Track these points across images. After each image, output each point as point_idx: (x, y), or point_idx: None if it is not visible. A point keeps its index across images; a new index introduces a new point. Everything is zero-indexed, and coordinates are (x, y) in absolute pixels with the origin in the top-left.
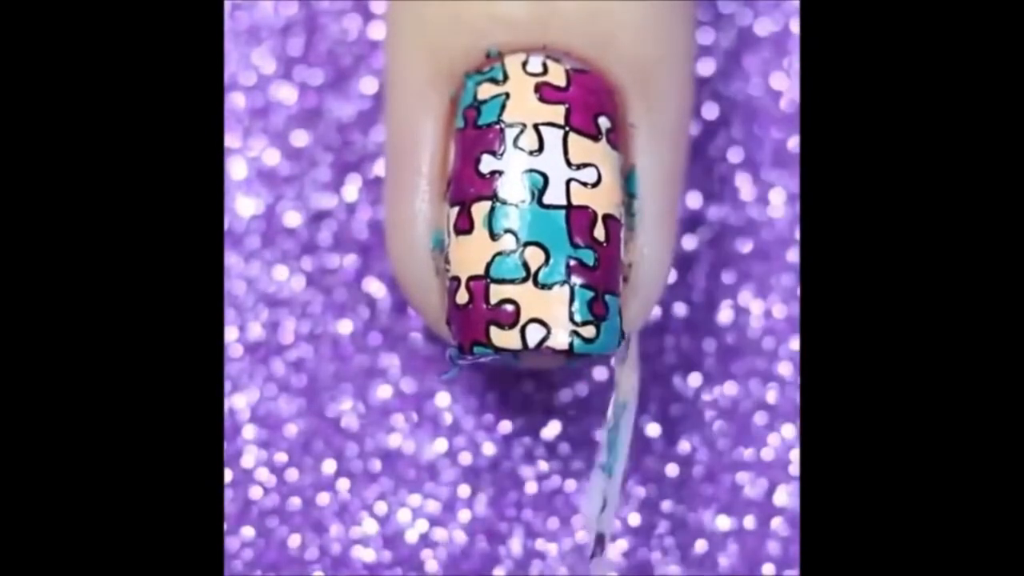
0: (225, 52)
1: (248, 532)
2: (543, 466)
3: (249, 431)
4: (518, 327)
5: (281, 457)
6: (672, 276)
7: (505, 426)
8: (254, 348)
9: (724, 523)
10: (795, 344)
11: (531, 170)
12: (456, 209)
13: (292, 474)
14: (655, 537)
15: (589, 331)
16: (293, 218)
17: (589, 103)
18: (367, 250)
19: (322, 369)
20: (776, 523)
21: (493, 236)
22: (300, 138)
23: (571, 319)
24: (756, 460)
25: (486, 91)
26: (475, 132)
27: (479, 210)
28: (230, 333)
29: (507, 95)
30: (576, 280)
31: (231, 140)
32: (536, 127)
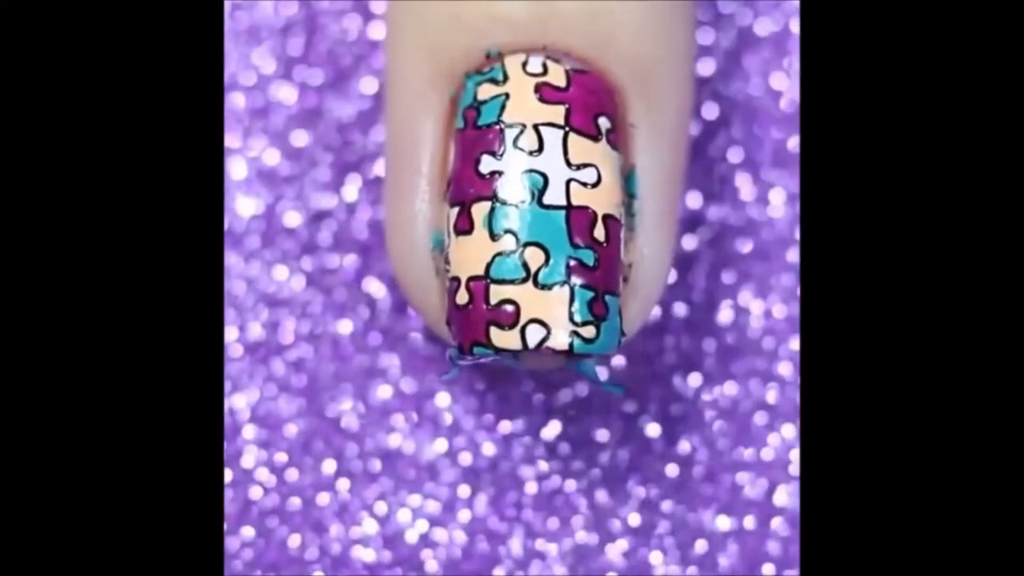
0: (225, 52)
1: (248, 532)
2: (543, 466)
3: (249, 431)
4: (518, 327)
5: (281, 457)
6: (672, 276)
7: (505, 426)
8: (254, 348)
9: (724, 523)
10: (795, 344)
11: (531, 170)
12: (456, 209)
13: (292, 474)
14: (655, 537)
15: (589, 331)
16: (293, 218)
17: (589, 103)
18: (367, 250)
19: (322, 369)
20: (776, 523)
21: (493, 236)
22: (300, 138)
23: (571, 319)
24: (756, 460)
25: (486, 91)
26: (475, 132)
27: (479, 210)
28: (230, 333)
29: (507, 95)
30: (576, 280)
31: (231, 140)
32: (536, 127)
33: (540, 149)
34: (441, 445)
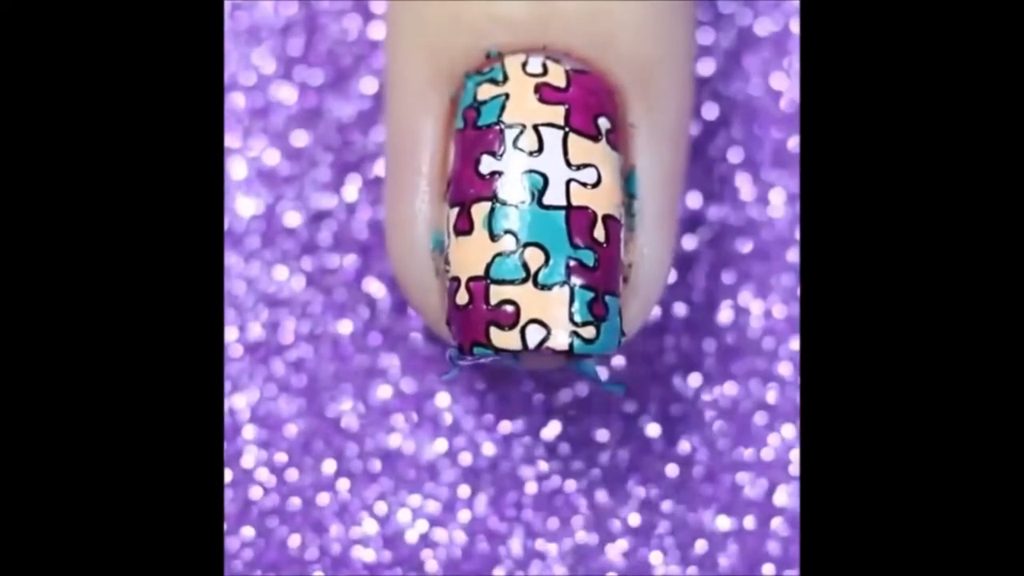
0: (225, 52)
1: (248, 532)
2: (543, 466)
3: (249, 431)
4: (518, 328)
5: (281, 457)
6: (672, 276)
7: (505, 426)
8: (254, 348)
9: (724, 523)
10: (795, 344)
11: (531, 171)
12: (456, 210)
13: (292, 474)
14: (655, 537)
15: (589, 332)
16: (293, 218)
17: (589, 104)
18: (367, 250)
19: (322, 369)
20: (776, 523)
21: (493, 237)
22: (300, 138)
23: (571, 320)
24: (756, 460)
25: (486, 92)
26: (475, 133)
27: (479, 211)
28: (230, 333)
29: (507, 96)
30: (576, 281)
31: (231, 140)
32: (536, 128)
33: (540, 149)
34: (441, 445)
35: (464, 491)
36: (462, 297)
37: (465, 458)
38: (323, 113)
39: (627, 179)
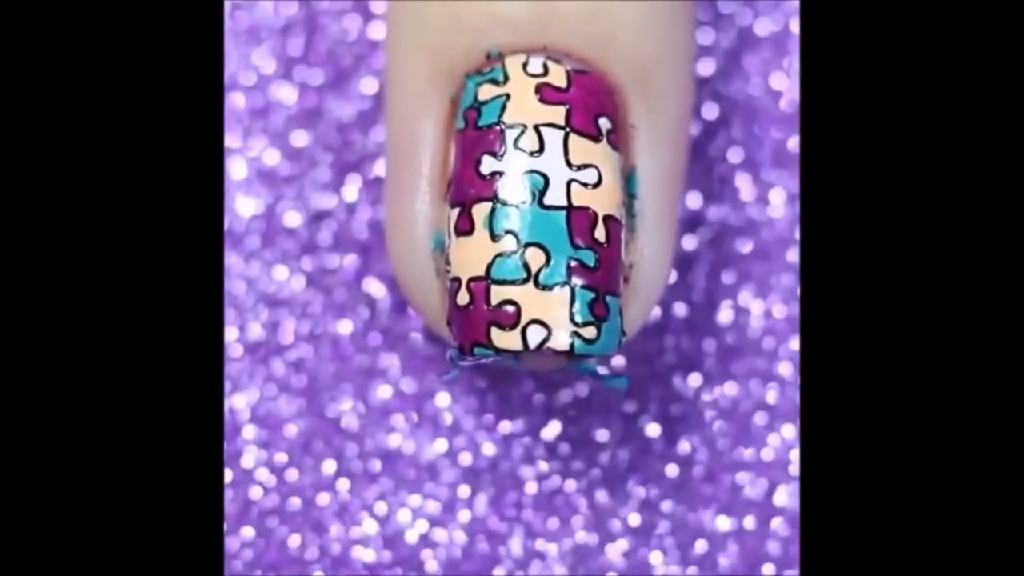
0: (225, 52)
1: (248, 532)
2: (543, 466)
3: (249, 431)
4: (519, 328)
5: (281, 457)
6: (672, 276)
7: (505, 426)
8: (254, 348)
9: (724, 523)
10: (795, 344)
11: (532, 171)
12: (457, 210)
13: (292, 474)
14: (655, 537)
15: (590, 332)
16: (293, 218)
17: (589, 104)
18: (367, 250)
19: (322, 369)
20: (776, 523)
21: (494, 237)
22: (300, 138)
23: (572, 320)
24: (756, 460)
25: (487, 92)
26: (475, 133)
27: (480, 211)
28: (230, 333)
29: (508, 96)
30: (577, 281)
31: (231, 140)
32: (537, 128)
33: (541, 150)
34: (441, 445)
35: (464, 491)
36: (463, 297)
37: (465, 458)
38: (323, 113)
39: (627, 179)
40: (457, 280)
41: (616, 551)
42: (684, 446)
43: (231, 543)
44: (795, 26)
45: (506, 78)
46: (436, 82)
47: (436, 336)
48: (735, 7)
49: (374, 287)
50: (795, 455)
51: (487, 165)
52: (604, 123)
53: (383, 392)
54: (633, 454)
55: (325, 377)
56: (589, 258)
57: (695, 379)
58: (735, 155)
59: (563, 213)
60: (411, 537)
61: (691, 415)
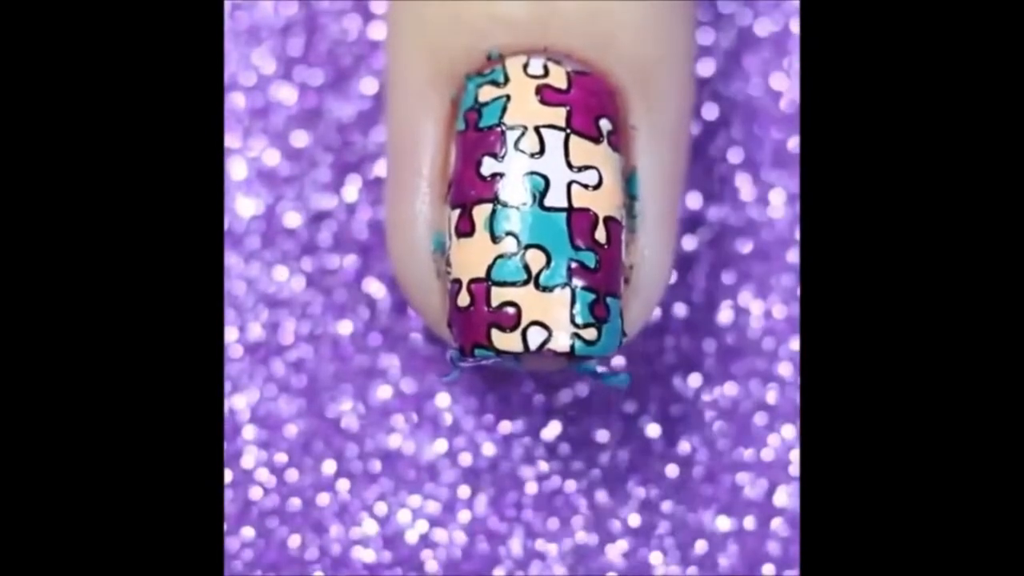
0: (225, 52)
1: (248, 532)
2: (543, 466)
3: (249, 431)
4: (519, 329)
5: (281, 457)
6: (672, 276)
7: (505, 427)
8: (254, 348)
9: (724, 523)
10: (795, 344)
11: (532, 172)
12: (457, 211)
13: (292, 474)
14: (655, 537)
15: (590, 333)
16: (293, 218)
17: (590, 105)
18: (367, 250)
19: (322, 369)
20: (776, 523)
21: (494, 239)
22: (300, 138)
23: (572, 321)
24: (756, 460)
25: (487, 93)
26: (476, 134)
27: (480, 212)
28: (230, 333)
29: (508, 97)
30: (577, 282)
31: (231, 140)
32: (537, 129)
33: (541, 151)
34: (441, 445)
35: (464, 491)
36: (463, 299)
37: (465, 458)
38: (323, 113)
39: (628, 180)
40: (458, 281)
41: (616, 551)
42: (684, 446)
43: (231, 543)
44: (795, 26)
45: (507, 79)
46: (436, 82)
47: (436, 337)
48: (735, 7)
49: (374, 287)
50: (795, 455)
51: (488, 166)
52: (605, 124)
53: (383, 392)
54: (633, 454)
55: (325, 377)
56: (590, 259)
57: (695, 379)
58: (735, 155)
59: (564, 215)
60: (411, 537)
61: (691, 415)
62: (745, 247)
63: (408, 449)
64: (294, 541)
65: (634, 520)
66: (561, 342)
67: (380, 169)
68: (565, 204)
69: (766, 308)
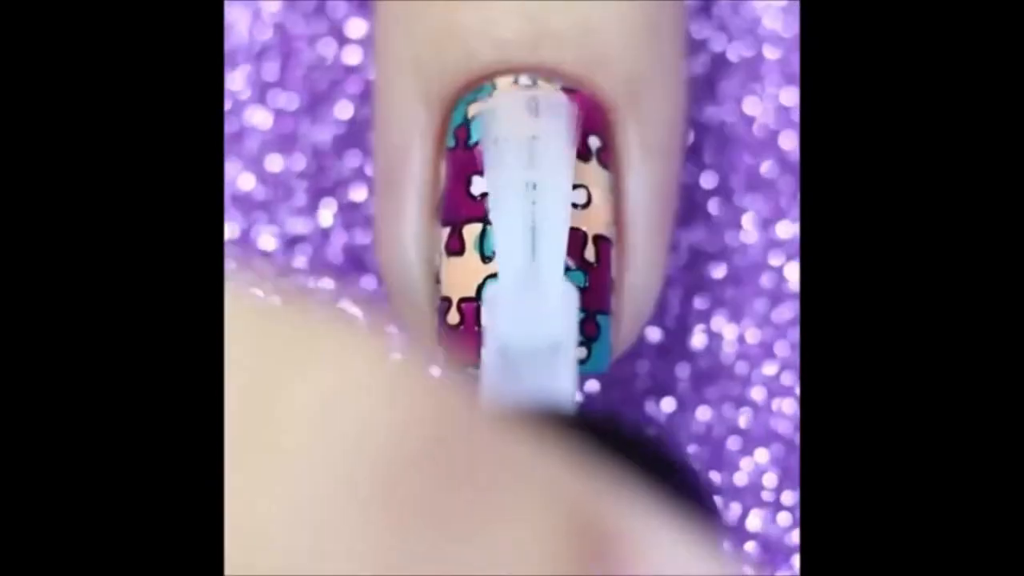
0: None
1: None
2: None
3: None
4: None
5: None
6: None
7: None
8: None
9: None
10: (768, 369)
11: None
12: (447, 230)
13: None
14: None
15: (580, 352)
16: (268, 242)
17: (579, 122)
18: (342, 274)
19: None
20: (749, 547)
21: (484, 258)
22: (275, 163)
23: None
24: (729, 485)
25: (476, 110)
26: (465, 153)
27: (470, 232)
28: None
29: None
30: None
31: None
32: None
33: None
34: None
35: None
36: (453, 317)
37: None
38: (298, 138)
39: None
40: (448, 300)
41: None
42: None
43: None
44: (768, 52)
45: None
46: (426, 101)
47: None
48: (709, 32)
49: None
50: (768, 480)
51: (477, 186)
52: (594, 142)
53: None
54: None
55: None
56: (579, 278)
57: (668, 404)
58: (708, 180)
59: None
60: None
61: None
62: (718, 272)
63: None
64: None
65: None
66: None
67: (356, 194)
68: None
69: (739, 333)
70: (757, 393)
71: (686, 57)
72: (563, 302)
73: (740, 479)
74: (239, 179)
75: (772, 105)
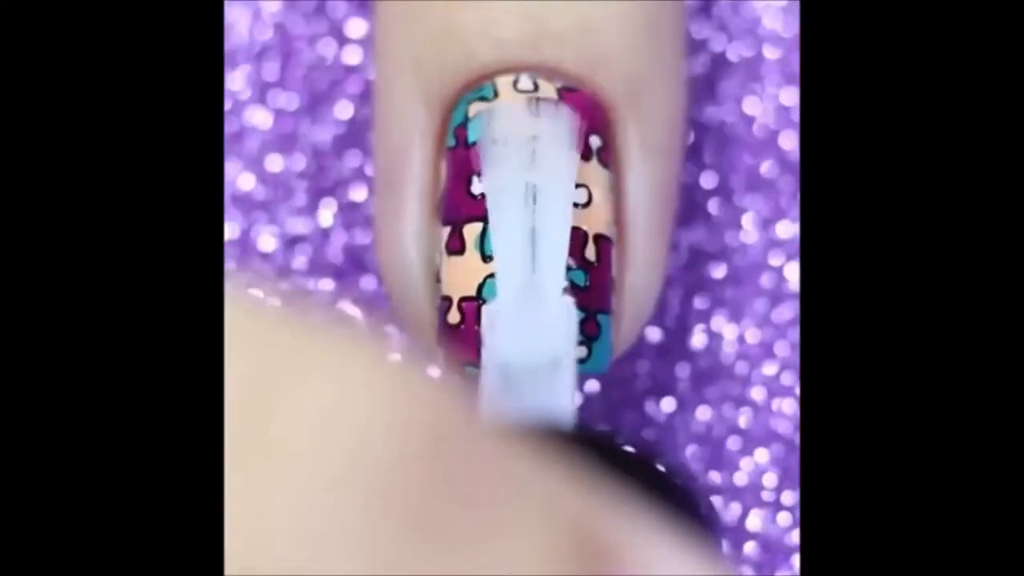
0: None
1: None
2: None
3: None
4: None
5: None
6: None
7: None
8: None
9: None
10: (768, 369)
11: None
12: (448, 229)
13: None
14: None
15: (580, 351)
16: (268, 243)
17: (580, 121)
18: (342, 275)
19: None
20: (749, 548)
21: (485, 258)
22: (275, 163)
23: None
24: (729, 485)
25: (476, 110)
26: (466, 152)
27: (471, 231)
28: None
29: None
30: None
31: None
32: None
33: None
34: None
35: None
36: (454, 316)
37: None
38: (298, 138)
39: None
40: (448, 299)
41: None
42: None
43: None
44: (768, 52)
45: (496, 96)
46: (426, 100)
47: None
48: (709, 32)
49: (349, 312)
50: (768, 479)
51: (478, 185)
52: (594, 141)
53: None
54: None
55: None
56: (580, 278)
57: (668, 404)
58: (708, 180)
59: None
60: None
61: (664, 440)
62: (718, 272)
63: None
64: None
65: None
66: None
67: (356, 194)
68: None
69: (739, 333)
70: (757, 393)
71: (686, 57)
72: (563, 317)
73: (740, 479)
74: (239, 179)
75: (772, 105)
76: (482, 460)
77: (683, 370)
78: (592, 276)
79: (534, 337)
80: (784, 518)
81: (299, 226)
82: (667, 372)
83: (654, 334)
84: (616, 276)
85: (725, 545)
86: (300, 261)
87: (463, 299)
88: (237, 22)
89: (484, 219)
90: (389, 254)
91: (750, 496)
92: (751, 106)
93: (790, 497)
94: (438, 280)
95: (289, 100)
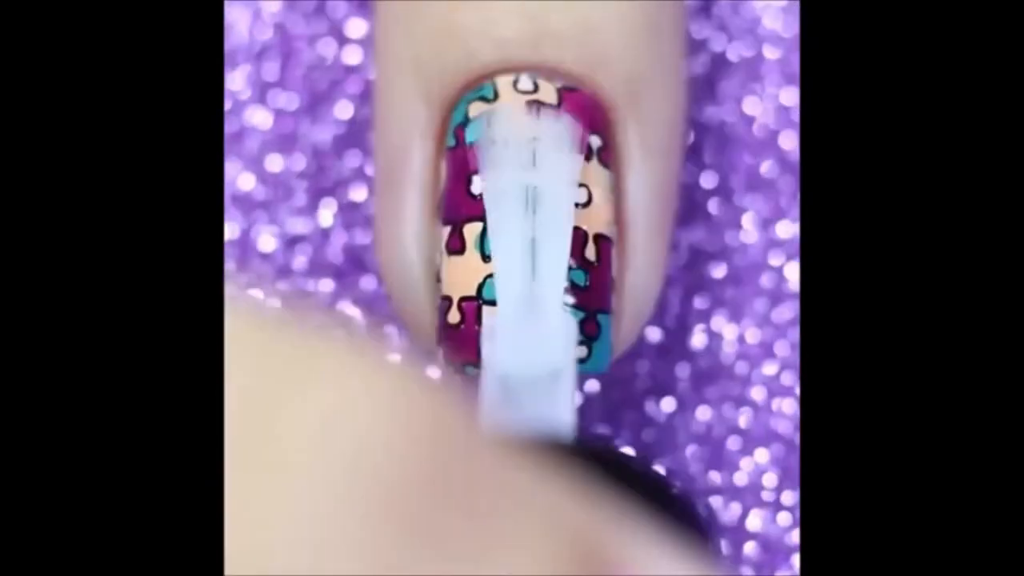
0: None
1: None
2: None
3: None
4: None
5: None
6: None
7: None
8: None
9: None
10: (768, 369)
11: None
12: (448, 229)
13: None
14: None
15: (580, 351)
16: (268, 243)
17: (580, 121)
18: (342, 275)
19: None
20: (749, 548)
21: (485, 258)
22: (275, 163)
23: None
24: (729, 485)
25: (476, 110)
26: (466, 151)
27: (471, 231)
28: None
29: None
30: (568, 300)
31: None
32: None
33: None
34: None
35: None
36: (454, 316)
37: None
38: (298, 138)
39: None
40: (448, 299)
41: None
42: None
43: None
44: (768, 52)
45: (496, 95)
46: (426, 100)
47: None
48: (709, 32)
49: (349, 313)
50: (768, 479)
51: (478, 185)
52: (595, 141)
53: None
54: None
55: None
56: (580, 278)
57: (668, 404)
58: (708, 180)
59: None
60: None
61: (664, 440)
62: (718, 272)
63: None
64: None
65: None
66: None
67: (356, 194)
68: None
69: (739, 333)
70: (757, 393)
71: (686, 57)
72: (563, 328)
73: (740, 479)
74: (239, 179)
75: (772, 105)
76: (482, 469)
77: (683, 370)
78: (592, 276)
79: (534, 348)
80: (784, 518)
81: (299, 226)
82: (667, 372)
83: (654, 334)
84: (616, 276)
85: (725, 546)
86: (300, 261)
87: (463, 299)
88: (237, 22)
89: (484, 219)
90: (389, 254)
91: (750, 496)
92: (751, 106)
93: (790, 497)
94: (438, 280)
95: (289, 100)
